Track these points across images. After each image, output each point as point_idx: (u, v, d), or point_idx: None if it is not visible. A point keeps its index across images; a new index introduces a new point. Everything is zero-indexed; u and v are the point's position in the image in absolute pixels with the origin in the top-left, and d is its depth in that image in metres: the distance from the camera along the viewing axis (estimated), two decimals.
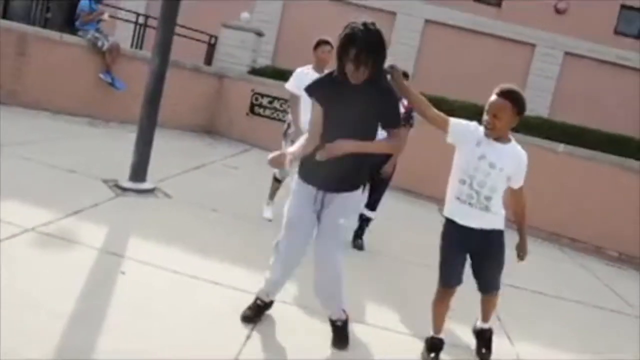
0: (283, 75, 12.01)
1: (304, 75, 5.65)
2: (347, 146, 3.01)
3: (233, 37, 12.03)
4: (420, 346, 3.56)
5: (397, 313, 4.15)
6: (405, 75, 5.28)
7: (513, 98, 3.21)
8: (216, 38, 12.49)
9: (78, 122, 8.60)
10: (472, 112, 9.53)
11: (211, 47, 12.61)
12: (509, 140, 3.31)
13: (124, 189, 5.49)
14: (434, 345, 3.50)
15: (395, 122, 3.14)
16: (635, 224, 7.58)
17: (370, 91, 2.99)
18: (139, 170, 5.69)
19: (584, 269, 6.98)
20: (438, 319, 3.49)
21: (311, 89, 3.21)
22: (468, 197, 3.24)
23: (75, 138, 7.69)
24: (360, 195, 3.35)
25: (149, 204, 5.40)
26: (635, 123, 15.28)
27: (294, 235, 3.29)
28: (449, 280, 3.38)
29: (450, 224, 3.36)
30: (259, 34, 12.59)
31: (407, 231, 6.79)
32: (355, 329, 3.62)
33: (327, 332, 3.46)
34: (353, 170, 3.17)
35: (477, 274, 3.44)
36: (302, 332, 3.52)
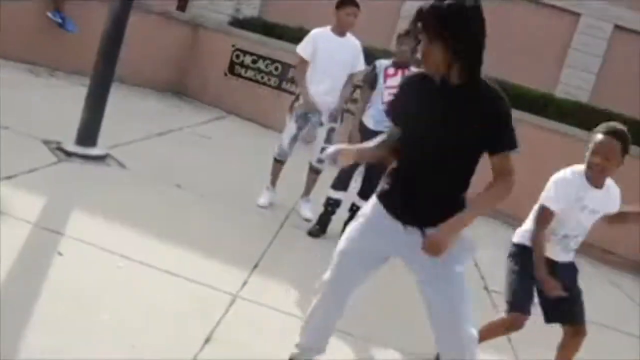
0: (272, 30, 11.98)
1: (321, 38, 5.64)
2: (453, 231, 2.65)
3: None
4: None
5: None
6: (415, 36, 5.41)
7: (624, 139, 3.47)
8: None
9: (17, 69, 8.53)
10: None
11: None
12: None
13: (69, 154, 5.48)
14: None
15: (507, 143, 2.68)
16: None
17: (465, 98, 2.64)
18: (88, 132, 5.67)
19: (614, 287, 7.07)
20: None
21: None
22: None
23: (12, 88, 7.62)
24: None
25: (97, 174, 5.40)
26: None
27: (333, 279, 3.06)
28: None
29: None
30: None
31: None
32: None
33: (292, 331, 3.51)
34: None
35: None
36: (274, 337, 3.57)
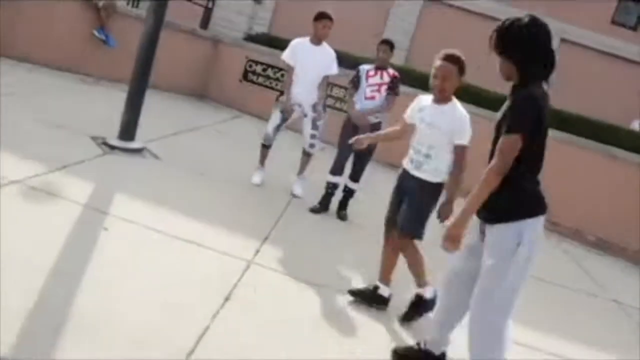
0: (278, 43, 11.90)
1: (300, 46, 5.64)
2: (461, 222, 2.58)
3: (231, 2, 11.89)
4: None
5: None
6: (391, 44, 5.45)
7: (460, 62, 3.45)
8: (214, 2, 12.34)
9: (68, 78, 8.48)
10: (462, 92, 9.61)
11: (208, 11, 12.46)
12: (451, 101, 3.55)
13: (112, 147, 5.45)
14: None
15: (510, 124, 2.53)
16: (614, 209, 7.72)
17: (508, 103, 2.62)
18: (128, 129, 5.65)
19: (565, 254, 7.08)
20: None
21: None
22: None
23: (64, 93, 7.61)
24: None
25: (136, 164, 5.39)
26: (624, 114, 15.34)
27: (452, 273, 2.93)
28: None
29: None
30: (257, 1, 12.46)
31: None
32: (327, 293, 3.67)
33: (309, 298, 3.51)
34: (499, 188, 2.55)
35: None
36: (283, 297, 3.56)
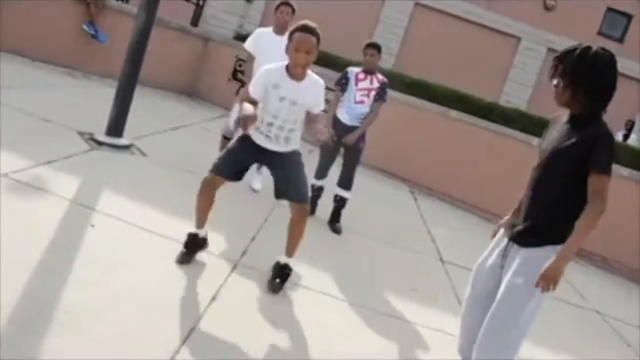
0: None
1: (263, 36, 5.56)
2: (560, 264, 2.44)
3: (222, 0, 11.84)
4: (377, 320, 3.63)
5: (362, 288, 4.21)
6: (378, 48, 5.36)
7: (317, 33, 3.36)
8: (204, 0, 12.29)
9: (57, 72, 8.41)
10: (452, 98, 9.67)
11: (199, 9, 12.41)
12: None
13: (100, 143, 5.41)
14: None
15: (604, 164, 2.46)
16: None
17: (575, 132, 2.53)
18: (116, 125, 5.60)
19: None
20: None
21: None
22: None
23: (52, 87, 7.54)
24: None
25: (123, 160, 5.35)
26: (610, 125, 15.50)
27: (470, 290, 2.89)
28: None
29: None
30: (248, 0, 12.42)
31: (380, 212, 6.84)
32: (321, 299, 3.67)
33: (296, 299, 3.50)
34: (549, 214, 2.58)
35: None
36: (270, 298, 3.55)
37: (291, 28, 3.39)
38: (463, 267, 5.52)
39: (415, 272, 5.06)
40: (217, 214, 4.80)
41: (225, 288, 3.45)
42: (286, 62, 3.43)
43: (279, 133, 3.49)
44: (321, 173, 5.56)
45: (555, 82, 2.53)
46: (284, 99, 3.41)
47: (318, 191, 5.59)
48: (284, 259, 3.71)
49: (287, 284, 3.76)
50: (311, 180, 5.44)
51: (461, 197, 8.58)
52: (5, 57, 7.88)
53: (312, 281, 3.98)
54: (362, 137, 5.36)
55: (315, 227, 5.13)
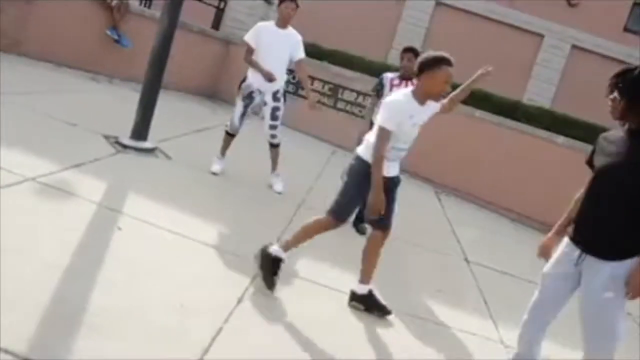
0: None
1: (265, 29, 5.57)
2: None
3: (242, 3, 11.92)
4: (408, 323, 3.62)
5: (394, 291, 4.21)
6: (415, 52, 5.18)
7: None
8: (225, 2, 12.37)
9: (81, 76, 8.54)
10: (476, 97, 9.59)
11: (220, 12, 12.49)
12: None
13: (125, 146, 5.48)
14: None
15: None
16: None
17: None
18: (140, 129, 5.67)
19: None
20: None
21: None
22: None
23: (77, 92, 7.65)
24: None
25: (148, 163, 5.41)
26: None
27: (538, 297, 2.95)
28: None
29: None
30: (269, 2, 12.48)
31: (405, 212, 6.80)
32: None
33: (324, 301, 3.51)
34: (625, 227, 2.65)
35: None
36: (297, 300, 3.56)
37: (434, 56, 3.45)
38: (488, 267, 5.48)
39: (440, 273, 5.04)
40: (243, 214, 4.84)
41: (252, 290, 3.46)
42: (410, 89, 3.57)
43: (402, 155, 3.69)
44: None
45: (612, 96, 2.67)
46: (416, 125, 3.57)
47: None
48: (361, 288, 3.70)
49: (312, 286, 3.78)
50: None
51: (485, 197, 8.52)
52: (30, 62, 8.03)
53: (338, 283, 3.97)
54: None
55: (341, 228, 5.13)
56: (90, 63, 8.97)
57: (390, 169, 3.62)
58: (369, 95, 6.11)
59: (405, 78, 5.22)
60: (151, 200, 4.40)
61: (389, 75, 5.36)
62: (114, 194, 4.35)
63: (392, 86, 5.21)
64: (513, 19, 17.51)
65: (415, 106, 3.49)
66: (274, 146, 5.88)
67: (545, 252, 2.98)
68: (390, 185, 3.61)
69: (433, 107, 3.64)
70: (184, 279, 3.34)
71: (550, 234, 2.99)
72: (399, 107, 3.46)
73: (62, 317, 2.56)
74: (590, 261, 2.68)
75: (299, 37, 5.68)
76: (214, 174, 5.70)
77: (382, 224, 3.67)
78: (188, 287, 3.25)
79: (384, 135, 3.41)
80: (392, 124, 3.41)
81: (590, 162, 2.82)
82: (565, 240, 2.85)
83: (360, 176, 3.51)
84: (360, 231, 5.28)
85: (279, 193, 5.78)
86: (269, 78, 5.48)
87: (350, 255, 4.73)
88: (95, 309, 2.69)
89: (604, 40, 17.31)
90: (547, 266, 2.90)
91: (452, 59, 3.45)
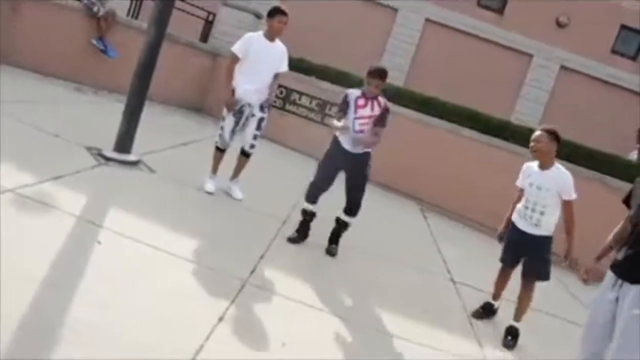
0: None
1: (255, 41, 5.60)
2: None
3: (231, 15, 11.96)
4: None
5: (376, 309, 4.19)
6: (383, 76, 4.82)
7: (550, 131, 4.41)
8: (214, 15, 12.40)
9: (66, 87, 8.49)
10: (464, 116, 9.67)
11: (208, 24, 12.51)
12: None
13: (108, 159, 5.44)
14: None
15: None
16: None
17: None
18: (124, 141, 5.64)
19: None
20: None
21: None
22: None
23: (61, 103, 7.61)
24: None
25: (131, 176, 5.37)
26: (622, 143, 15.43)
27: (590, 320, 3.28)
28: None
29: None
30: (258, 16, 12.52)
31: (389, 230, 6.82)
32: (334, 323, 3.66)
33: (304, 320, 3.48)
34: None
35: None
36: (278, 318, 3.54)
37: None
38: (474, 287, 5.48)
39: (425, 293, 5.04)
40: (226, 230, 4.82)
41: (233, 308, 3.43)
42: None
43: (532, 215, 4.48)
44: (313, 195, 5.08)
45: None
46: (532, 185, 4.47)
47: (310, 216, 5.16)
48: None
49: (294, 304, 3.76)
50: (303, 204, 5.18)
51: (472, 216, 8.55)
52: (15, 72, 7.98)
53: (321, 303, 3.96)
54: (368, 164, 5.00)
55: (319, 247, 5.12)
56: (75, 74, 8.92)
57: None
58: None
59: (369, 98, 4.86)
60: (132, 214, 4.37)
61: (355, 93, 4.90)
62: (94, 207, 4.31)
63: (357, 107, 4.86)
64: (502, 37, 17.70)
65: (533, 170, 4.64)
66: (247, 155, 5.91)
67: (594, 275, 3.35)
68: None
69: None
70: (165, 295, 3.31)
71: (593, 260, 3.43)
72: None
73: (38, 330, 2.53)
74: (625, 285, 3.00)
75: (285, 49, 5.77)
76: (209, 193, 5.68)
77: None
78: (169, 304, 3.22)
79: None
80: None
81: (626, 202, 3.26)
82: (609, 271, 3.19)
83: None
84: (331, 253, 5.11)
85: (240, 200, 5.78)
86: (230, 107, 5.63)
87: (331, 275, 4.74)
88: (72, 323, 2.66)
89: (592, 61, 17.54)
90: (597, 293, 3.23)
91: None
